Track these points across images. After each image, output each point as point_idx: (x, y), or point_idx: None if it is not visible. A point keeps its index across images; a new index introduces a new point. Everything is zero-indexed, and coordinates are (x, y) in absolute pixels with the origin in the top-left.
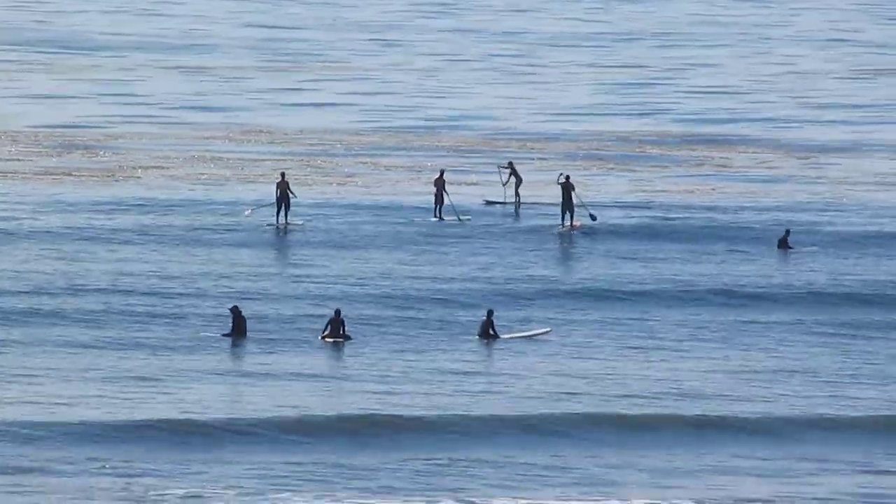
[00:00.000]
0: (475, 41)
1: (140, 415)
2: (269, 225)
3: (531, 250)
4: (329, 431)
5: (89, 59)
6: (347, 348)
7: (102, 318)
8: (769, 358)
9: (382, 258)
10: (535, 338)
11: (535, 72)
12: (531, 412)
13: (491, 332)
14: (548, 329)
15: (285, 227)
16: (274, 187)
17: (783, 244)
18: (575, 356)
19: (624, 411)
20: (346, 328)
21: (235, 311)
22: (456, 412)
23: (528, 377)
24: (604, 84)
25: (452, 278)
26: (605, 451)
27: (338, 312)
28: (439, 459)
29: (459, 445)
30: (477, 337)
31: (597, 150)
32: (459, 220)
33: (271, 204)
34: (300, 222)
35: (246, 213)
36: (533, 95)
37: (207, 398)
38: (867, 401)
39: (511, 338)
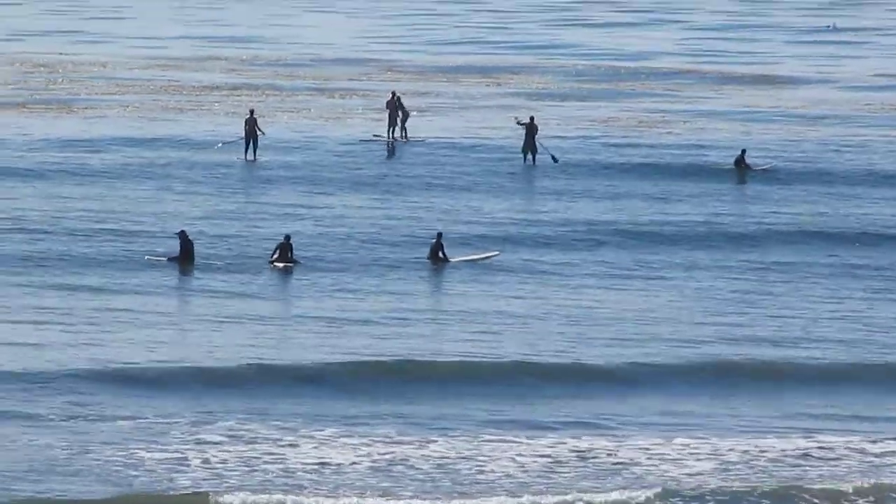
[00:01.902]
0: None
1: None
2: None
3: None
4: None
5: None
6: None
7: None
8: None
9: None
10: (484, 261)
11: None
12: None
13: (441, 255)
14: (497, 252)
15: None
16: (243, 123)
17: (740, 164)
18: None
19: None
20: (293, 253)
21: (183, 236)
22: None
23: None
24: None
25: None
26: None
27: (287, 237)
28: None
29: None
30: (427, 260)
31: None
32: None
33: (240, 139)
34: (266, 159)
35: (217, 146)
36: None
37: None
38: None
39: (460, 260)
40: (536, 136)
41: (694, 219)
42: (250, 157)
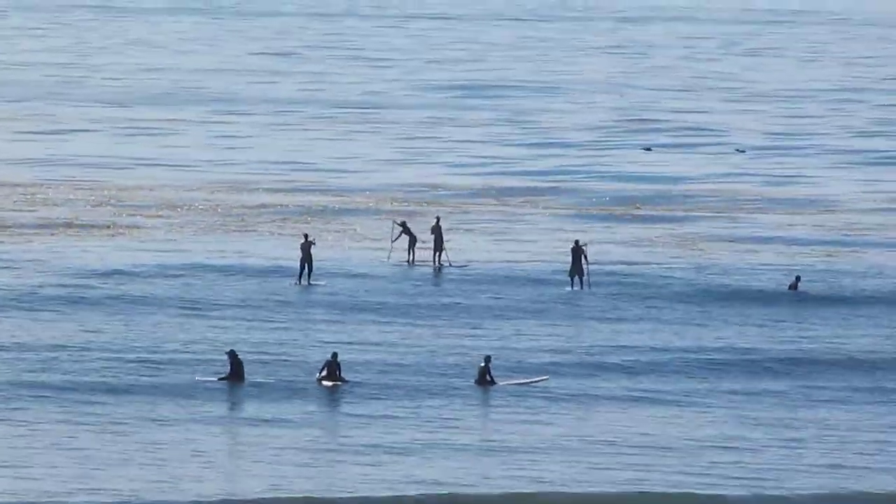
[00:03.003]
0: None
1: None
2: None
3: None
4: None
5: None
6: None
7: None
8: None
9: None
10: (532, 385)
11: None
12: None
13: (488, 378)
14: (546, 377)
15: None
16: (298, 248)
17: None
18: None
19: None
20: (341, 371)
21: (233, 356)
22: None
23: None
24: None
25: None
26: None
27: (334, 355)
28: None
29: None
30: (474, 383)
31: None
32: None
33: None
34: (323, 283)
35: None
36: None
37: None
38: None
39: (508, 384)
40: (584, 260)
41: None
42: (304, 282)
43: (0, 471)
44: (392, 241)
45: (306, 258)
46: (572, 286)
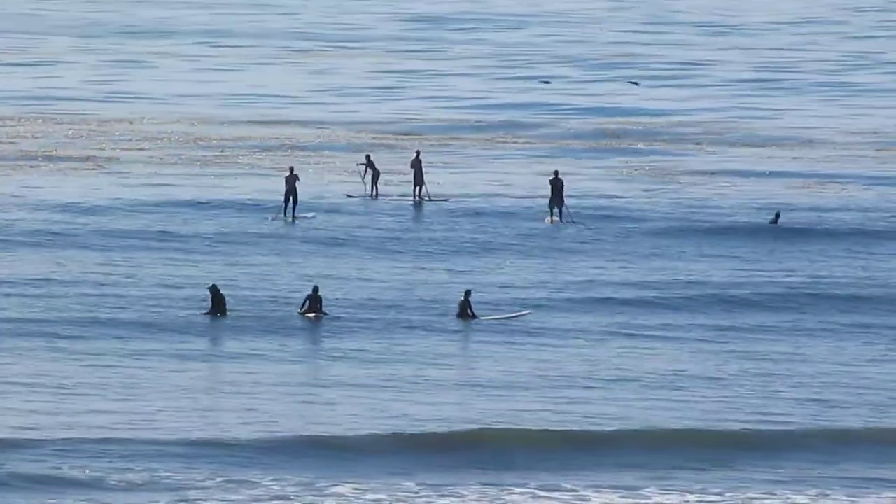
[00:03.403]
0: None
1: None
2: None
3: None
4: None
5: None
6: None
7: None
8: None
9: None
10: (514, 319)
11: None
12: None
13: (469, 312)
14: (528, 311)
15: (293, 221)
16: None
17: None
18: None
19: None
20: (322, 305)
21: (214, 290)
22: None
23: None
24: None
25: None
26: None
27: (315, 289)
28: None
29: None
30: (456, 317)
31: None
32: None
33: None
34: (311, 216)
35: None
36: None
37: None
38: None
39: (490, 319)
40: (564, 192)
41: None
42: (289, 216)
43: None
44: (363, 179)
45: (291, 191)
46: (551, 217)
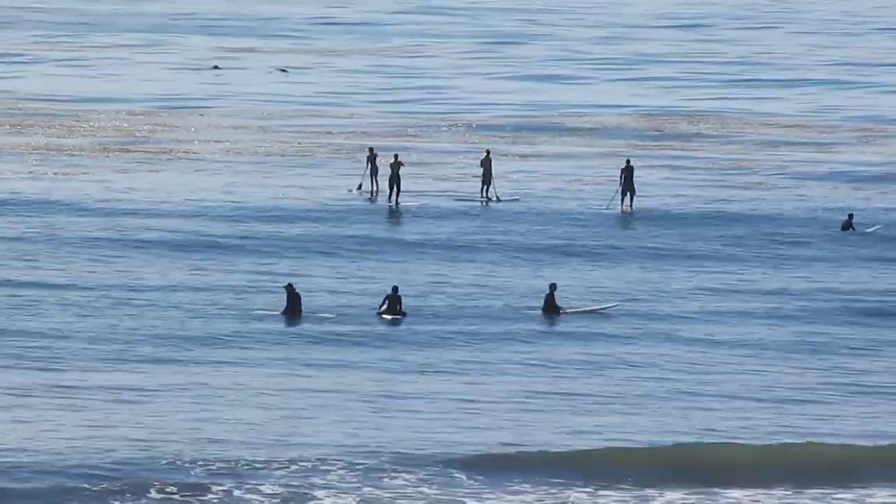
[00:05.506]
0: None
1: None
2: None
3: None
4: None
5: None
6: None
7: None
8: None
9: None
10: (600, 311)
11: None
12: None
13: (555, 306)
14: (615, 304)
15: (396, 207)
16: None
17: (847, 227)
18: None
19: None
20: (402, 305)
21: (290, 289)
22: None
23: None
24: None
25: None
26: None
27: (395, 289)
28: None
29: None
30: (541, 312)
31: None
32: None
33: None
34: (418, 204)
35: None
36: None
37: None
38: None
39: (574, 312)
40: (634, 178)
41: None
42: (393, 201)
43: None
44: (373, 177)
45: (395, 178)
46: (622, 206)
